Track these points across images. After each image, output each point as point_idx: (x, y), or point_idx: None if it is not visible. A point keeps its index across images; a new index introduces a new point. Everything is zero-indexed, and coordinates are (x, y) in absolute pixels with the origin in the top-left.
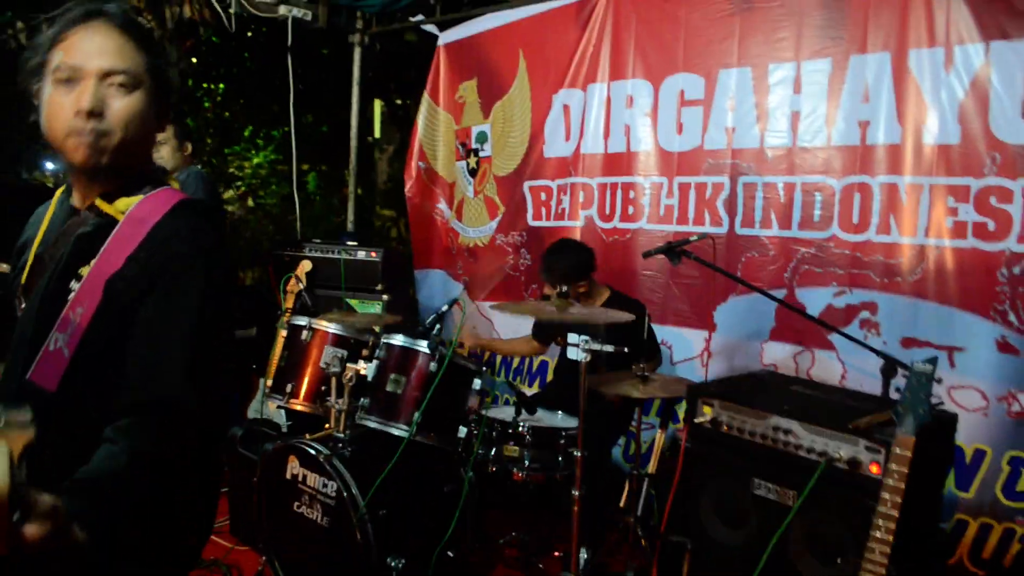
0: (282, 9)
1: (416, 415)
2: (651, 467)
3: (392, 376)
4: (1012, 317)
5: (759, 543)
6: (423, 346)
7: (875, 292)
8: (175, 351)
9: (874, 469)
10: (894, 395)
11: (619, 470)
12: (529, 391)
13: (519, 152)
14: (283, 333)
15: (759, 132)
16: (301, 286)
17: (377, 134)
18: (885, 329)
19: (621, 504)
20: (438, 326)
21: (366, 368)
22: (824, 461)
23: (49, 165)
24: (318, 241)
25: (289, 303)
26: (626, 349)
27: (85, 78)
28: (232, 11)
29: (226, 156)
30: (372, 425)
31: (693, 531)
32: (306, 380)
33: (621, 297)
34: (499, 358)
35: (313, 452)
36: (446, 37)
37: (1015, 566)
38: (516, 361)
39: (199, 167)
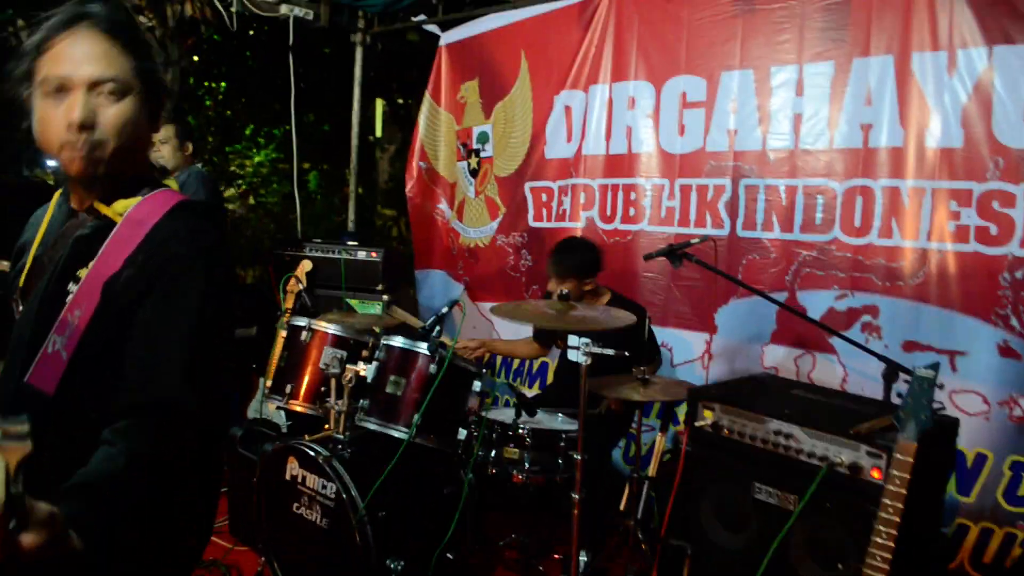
0: (283, 8)
1: (416, 417)
2: (651, 470)
3: (392, 378)
4: (1014, 321)
5: (760, 548)
6: (423, 348)
7: (877, 295)
8: (174, 352)
9: (875, 474)
10: (895, 400)
11: (619, 473)
12: (529, 392)
13: (520, 153)
14: (283, 333)
15: (761, 134)
16: (301, 286)
17: (379, 133)
18: (887, 333)
19: (621, 507)
20: (438, 328)
21: (366, 369)
22: (825, 466)
23: (50, 162)
24: (319, 241)
25: (289, 303)
26: (627, 353)
27: (74, 89)
28: (233, 10)
29: (227, 154)
30: (371, 427)
31: (693, 535)
32: (306, 381)
33: (621, 300)
34: (499, 359)
35: (312, 453)
36: (448, 37)
37: (1016, 571)
38: (516, 362)
39: (200, 166)
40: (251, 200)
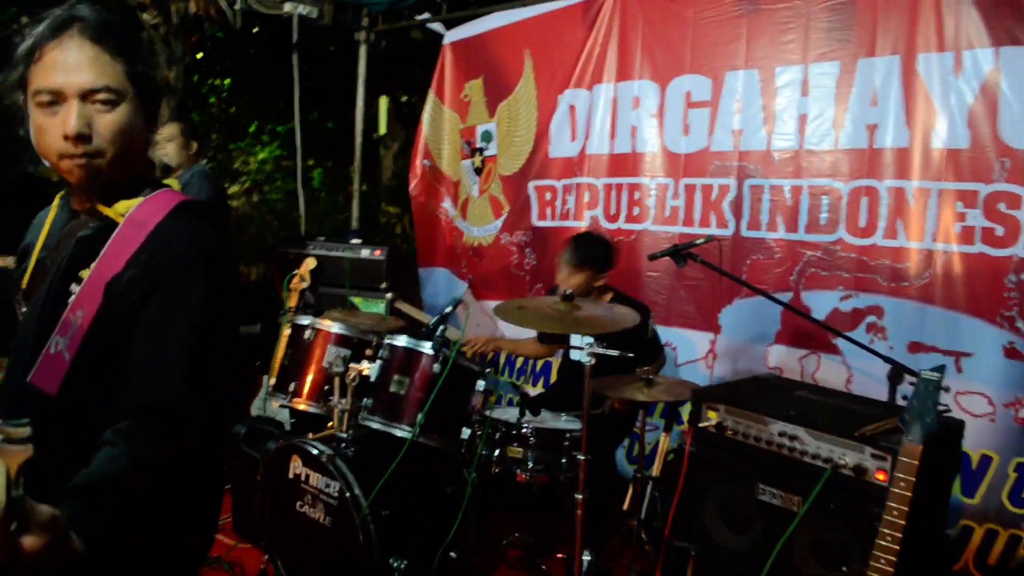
0: (287, 6)
1: (419, 416)
2: (655, 470)
3: (395, 377)
4: (1020, 323)
5: (764, 549)
6: (427, 347)
7: (882, 296)
8: (174, 353)
9: (880, 477)
10: (900, 401)
11: (623, 473)
12: (533, 391)
13: (524, 152)
14: (286, 332)
15: (766, 134)
16: (305, 284)
17: (382, 131)
18: (892, 334)
19: (625, 507)
20: (442, 327)
21: (369, 368)
22: (830, 468)
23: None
24: (322, 239)
25: (293, 301)
26: (631, 355)
27: (67, 100)
28: (237, 7)
29: (231, 151)
30: (375, 426)
31: (697, 536)
32: (309, 379)
33: (624, 298)
34: (503, 357)
35: (316, 452)
36: (452, 36)
37: (1021, 573)
38: (520, 361)
39: (204, 163)
40: (255, 197)
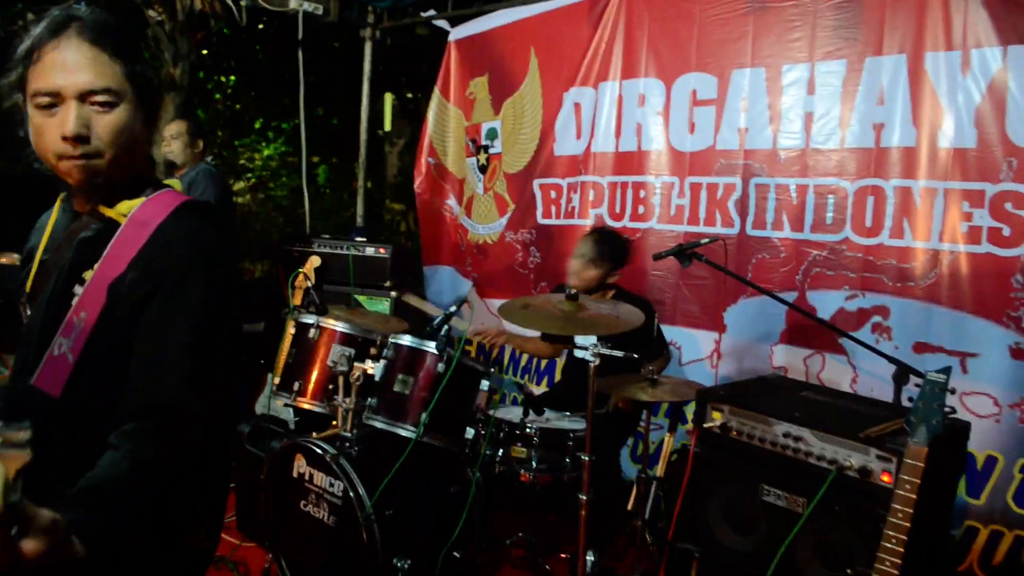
0: (293, 3)
1: (424, 416)
2: (659, 470)
3: (400, 376)
4: None
5: (768, 550)
6: (431, 347)
7: (887, 296)
8: (175, 353)
9: (885, 478)
10: (905, 402)
11: (626, 472)
12: (537, 390)
13: (529, 149)
14: (291, 330)
15: (772, 133)
16: (309, 283)
17: (388, 128)
18: (897, 334)
19: (629, 507)
20: (446, 327)
21: (373, 368)
22: (835, 469)
23: None
24: (327, 237)
25: (297, 299)
26: (635, 355)
27: (65, 101)
28: (243, 4)
29: (236, 148)
30: (379, 425)
31: (701, 536)
32: (313, 378)
33: (627, 295)
34: (507, 356)
35: (320, 451)
36: (457, 33)
37: None
38: (524, 360)
39: (210, 159)
40: (260, 195)
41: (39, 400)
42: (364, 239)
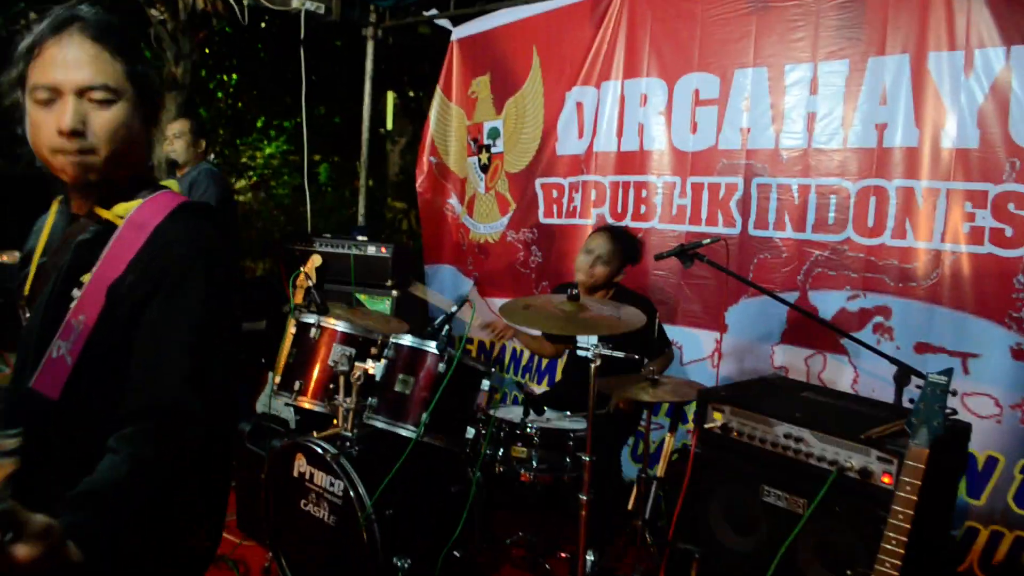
0: (295, 2)
1: (424, 416)
2: (660, 470)
3: (400, 376)
4: None
5: (768, 551)
6: (431, 347)
7: (889, 296)
8: (175, 354)
9: (886, 480)
10: (907, 402)
11: (627, 472)
12: (538, 390)
13: (531, 149)
14: (292, 330)
15: (774, 133)
16: (311, 282)
17: (389, 126)
18: (899, 334)
19: (629, 507)
20: (447, 327)
21: (374, 367)
22: (836, 470)
23: None
24: (328, 236)
25: (299, 299)
26: (636, 356)
27: (63, 96)
28: (245, 3)
29: (238, 146)
30: (379, 425)
31: (702, 537)
32: (314, 377)
33: (627, 292)
34: (508, 356)
35: (320, 451)
36: (459, 32)
37: None
38: (525, 359)
39: (212, 158)
40: (261, 193)
41: (38, 403)
42: (365, 238)
